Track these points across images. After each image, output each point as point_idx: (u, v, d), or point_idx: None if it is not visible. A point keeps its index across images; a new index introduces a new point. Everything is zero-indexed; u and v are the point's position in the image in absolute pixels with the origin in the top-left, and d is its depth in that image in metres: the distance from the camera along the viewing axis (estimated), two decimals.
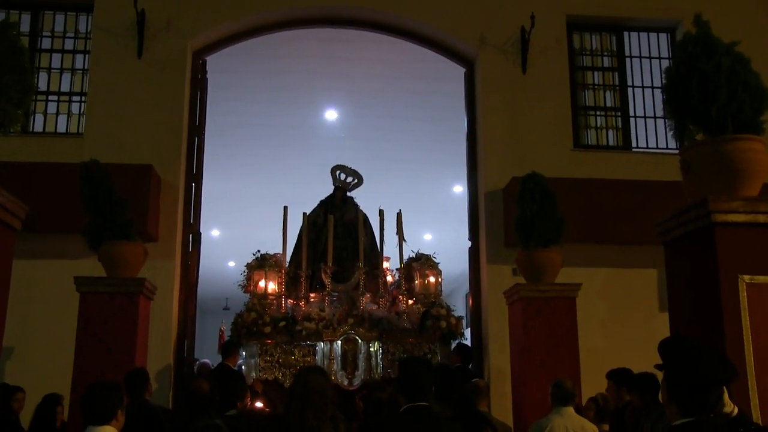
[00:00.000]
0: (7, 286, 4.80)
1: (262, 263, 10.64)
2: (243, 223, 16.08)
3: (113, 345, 7.44)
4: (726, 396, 3.76)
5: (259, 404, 6.98)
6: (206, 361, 12.74)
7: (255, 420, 5.72)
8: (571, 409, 6.09)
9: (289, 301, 10.50)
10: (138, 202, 8.95)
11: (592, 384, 8.02)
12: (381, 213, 11.40)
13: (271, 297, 10.42)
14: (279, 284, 10.55)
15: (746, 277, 4.48)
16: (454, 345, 10.00)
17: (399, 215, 11.28)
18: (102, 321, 7.49)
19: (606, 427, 6.93)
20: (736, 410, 3.88)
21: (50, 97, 10.66)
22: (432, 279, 10.82)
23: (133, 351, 7.52)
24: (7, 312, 4.85)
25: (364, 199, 11.83)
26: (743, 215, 4.56)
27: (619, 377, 7.38)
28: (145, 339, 8.05)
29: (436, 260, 11.01)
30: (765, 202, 4.60)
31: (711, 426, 2.95)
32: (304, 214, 11.40)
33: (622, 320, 10.07)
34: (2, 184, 4.49)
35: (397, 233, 11.25)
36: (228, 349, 9.20)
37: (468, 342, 10.91)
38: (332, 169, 11.92)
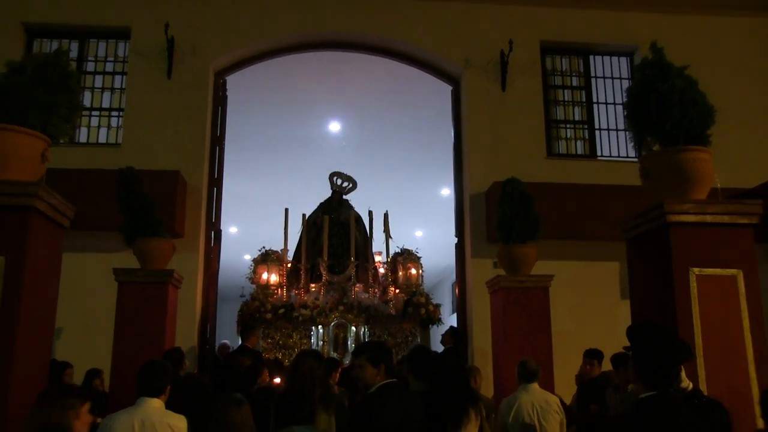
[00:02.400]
0: (58, 275, 4.84)
1: (265, 258, 10.71)
2: (257, 220, 16.07)
3: (146, 327, 7.47)
4: (683, 373, 3.82)
5: (277, 380, 7.02)
6: (226, 341, 12.77)
7: (272, 394, 5.75)
8: (535, 385, 6.06)
9: (294, 291, 10.57)
10: (167, 203, 9.02)
11: (564, 362, 8.09)
12: (370, 214, 11.47)
13: (272, 287, 10.49)
14: (280, 276, 10.62)
15: (696, 270, 4.52)
16: (446, 328, 10.03)
17: (386, 215, 11.32)
18: (136, 306, 7.52)
19: None
20: (691, 385, 3.93)
21: (93, 113, 10.68)
22: (414, 271, 10.85)
23: (162, 332, 7.55)
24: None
25: (362, 200, 11.85)
26: (693, 216, 4.58)
27: (592, 355, 7.46)
28: (173, 322, 8.07)
29: (418, 254, 11.07)
30: (712, 204, 4.62)
31: (671, 398, 2.96)
32: (304, 215, 11.45)
33: (588, 307, 10.10)
34: (53, 188, 4.53)
35: (384, 231, 11.29)
36: (246, 331, 9.25)
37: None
38: (330, 175, 11.95)
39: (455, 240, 11.11)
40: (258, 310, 9.96)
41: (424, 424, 4.21)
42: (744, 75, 11.35)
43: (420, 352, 5.50)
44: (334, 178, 11.94)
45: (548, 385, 7.05)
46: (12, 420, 4.04)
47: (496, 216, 8.46)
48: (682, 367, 3.72)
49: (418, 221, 17.27)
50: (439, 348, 10.18)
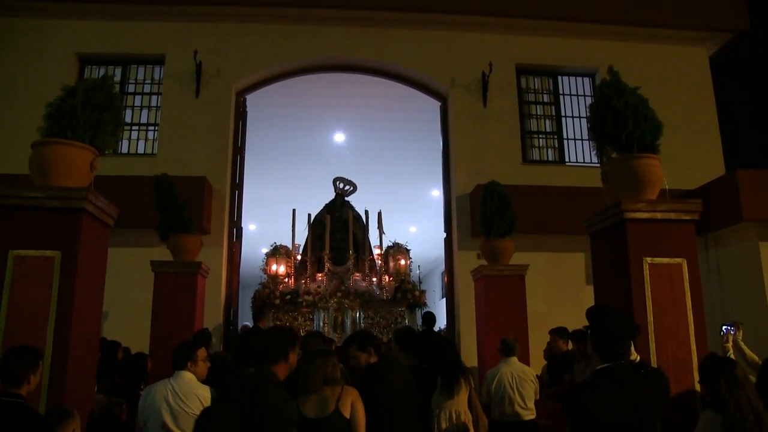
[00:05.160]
0: (104, 267, 4.87)
1: (274, 252, 10.77)
2: (273, 219, 16.12)
3: (179, 311, 7.49)
4: (632, 348, 3.86)
5: None
6: (247, 323, 12.78)
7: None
8: (514, 359, 6.17)
9: (302, 280, 10.64)
10: (195, 205, 9.05)
11: (537, 339, 8.12)
12: (366, 213, 11.54)
13: (281, 277, 10.53)
14: (288, 267, 10.67)
15: (648, 259, 4.54)
16: (422, 313, 10.02)
17: (379, 214, 11.38)
18: (170, 293, 7.54)
19: None
20: (638, 357, 3.98)
21: (133, 128, 10.74)
22: (403, 262, 10.92)
23: (193, 316, 7.56)
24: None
25: (364, 201, 11.90)
26: (646, 213, 4.60)
27: (559, 333, 7.50)
28: (202, 307, 8.09)
29: (408, 247, 11.12)
30: (661, 203, 4.65)
31: (622, 369, 3.02)
32: (309, 215, 11.51)
33: (558, 292, 10.17)
34: (100, 193, 4.57)
35: (378, 227, 11.33)
36: (257, 314, 9.28)
37: (444, 310, 10.99)
38: (333, 180, 12.00)
39: (444, 235, 11.14)
40: (268, 297, 10.02)
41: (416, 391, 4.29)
42: (685, 94, 11.48)
43: (407, 332, 5.56)
44: (337, 182, 11.99)
45: (524, 359, 7.12)
46: (69, 388, 4.11)
47: (478, 214, 8.50)
48: (632, 342, 3.76)
49: (413, 219, 17.29)
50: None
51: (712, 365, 3.57)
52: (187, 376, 4.21)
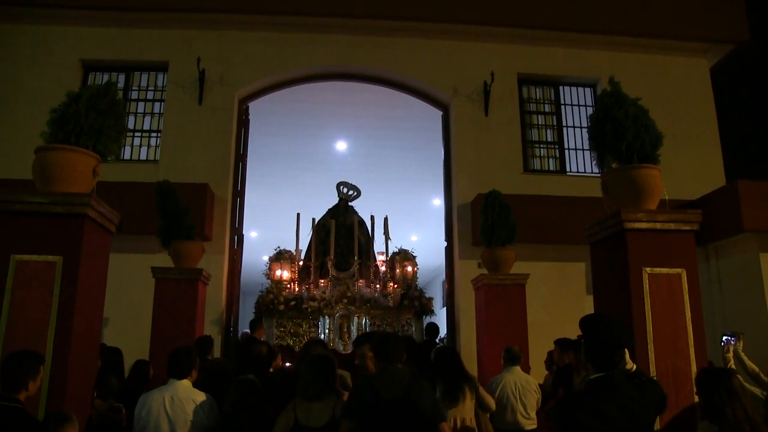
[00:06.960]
0: (105, 273, 4.89)
1: (278, 257, 10.70)
2: (274, 226, 16.08)
3: (179, 318, 7.49)
4: (627, 356, 3.82)
5: (288, 364, 6.99)
6: (247, 331, 12.73)
7: (281, 376, 5.75)
8: (518, 368, 6.17)
9: (305, 285, 10.58)
10: (197, 211, 9.03)
11: (537, 348, 8.10)
12: (372, 219, 11.47)
13: (285, 282, 10.48)
14: (291, 273, 10.62)
15: (648, 269, 4.54)
16: (426, 323, 9.98)
17: (386, 220, 11.31)
18: (171, 300, 7.55)
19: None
20: (634, 367, 3.96)
21: (135, 134, 10.76)
22: (409, 269, 10.80)
23: (193, 323, 7.56)
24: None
25: (366, 208, 11.86)
26: (645, 223, 4.60)
27: (562, 343, 7.46)
28: (203, 314, 8.10)
29: (414, 254, 11.07)
30: (661, 213, 4.66)
31: (615, 378, 2.97)
32: (313, 219, 11.46)
33: (558, 301, 10.12)
34: (102, 199, 4.59)
35: (383, 233, 11.30)
36: (254, 324, 9.23)
37: (444, 318, 10.96)
38: (337, 184, 11.92)
39: (445, 243, 11.13)
40: (272, 302, 9.97)
41: None
42: (686, 105, 11.50)
43: (406, 341, 5.53)
44: (341, 187, 11.93)
45: (524, 368, 7.09)
46: (70, 392, 4.11)
47: (479, 223, 8.49)
48: (627, 351, 3.72)
49: (414, 227, 17.25)
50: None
51: (709, 376, 3.55)
52: (184, 383, 4.22)
